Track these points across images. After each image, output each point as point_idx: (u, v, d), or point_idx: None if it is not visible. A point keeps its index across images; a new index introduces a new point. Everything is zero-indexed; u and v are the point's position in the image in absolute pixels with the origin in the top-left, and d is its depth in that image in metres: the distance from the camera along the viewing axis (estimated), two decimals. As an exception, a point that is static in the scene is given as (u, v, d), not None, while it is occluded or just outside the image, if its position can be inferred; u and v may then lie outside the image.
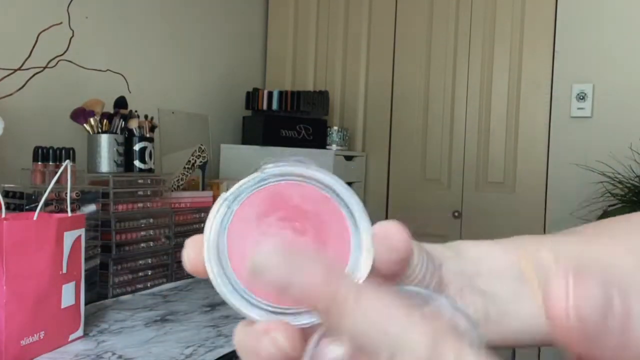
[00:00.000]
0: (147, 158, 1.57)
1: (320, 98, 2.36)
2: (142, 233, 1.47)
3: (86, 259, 1.09)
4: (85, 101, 1.52)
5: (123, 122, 1.54)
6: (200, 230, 0.28)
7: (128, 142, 1.54)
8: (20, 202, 1.19)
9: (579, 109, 2.20)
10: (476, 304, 0.34)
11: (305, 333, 0.26)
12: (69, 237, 1.00)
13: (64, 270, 0.99)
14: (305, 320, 0.27)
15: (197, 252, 0.28)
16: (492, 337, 0.34)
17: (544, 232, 2.19)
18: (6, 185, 1.22)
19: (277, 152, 2.21)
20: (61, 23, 1.30)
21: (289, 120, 2.27)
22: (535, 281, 0.34)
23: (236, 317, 0.27)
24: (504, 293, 0.34)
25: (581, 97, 2.20)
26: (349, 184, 2.31)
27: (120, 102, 1.60)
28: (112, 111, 1.56)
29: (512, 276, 0.34)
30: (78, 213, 1.14)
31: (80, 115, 1.49)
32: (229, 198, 0.29)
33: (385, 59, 2.48)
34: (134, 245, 1.45)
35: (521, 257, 0.35)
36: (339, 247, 0.28)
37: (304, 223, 0.28)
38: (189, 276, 1.59)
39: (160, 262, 1.53)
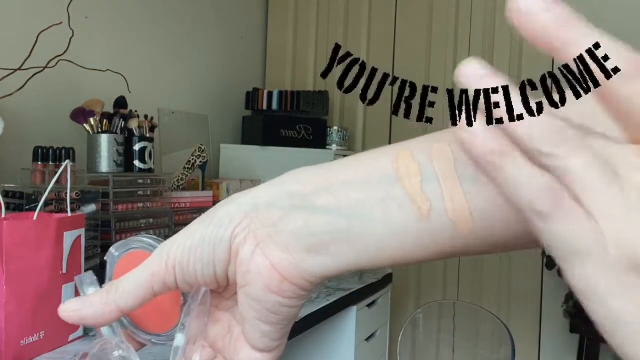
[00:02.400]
0: (147, 158, 1.57)
1: (320, 98, 2.35)
2: (142, 233, 1.47)
3: (86, 259, 1.09)
4: (85, 101, 1.52)
5: (123, 122, 1.54)
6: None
7: (128, 142, 1.55)
8: (20, 202, 1.19)
9: (579, 109, 2.20)
10: (297, 222, 0.30)
11: None
12: (69, 237, 1.00)
13: (64, 270, 0.99)
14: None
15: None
16: (354, 257, 0.30)
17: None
18: (6, 185, 1.22)
19: (277, 152, 2.21)
20: (61, 23, 1.30)
21: (289, 120, 2.27)
22: (407, 178, 0.29)
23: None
24: (359, 202, 0.29)
25: (581, 97, 2.20)
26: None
27: (120, 102, 1.60)
28: (112, 111, 1.56)
29: (378, 181, 0.30)
30: (78, 213, 1.14)
31: (80, 115, 1.49)
32: None
33: (385, 58, 2.47)
34: (134, 245, 1.45)
35: (399, 156, 0.30)
36: None
37: None
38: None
39: (160, 262, 1.53)
